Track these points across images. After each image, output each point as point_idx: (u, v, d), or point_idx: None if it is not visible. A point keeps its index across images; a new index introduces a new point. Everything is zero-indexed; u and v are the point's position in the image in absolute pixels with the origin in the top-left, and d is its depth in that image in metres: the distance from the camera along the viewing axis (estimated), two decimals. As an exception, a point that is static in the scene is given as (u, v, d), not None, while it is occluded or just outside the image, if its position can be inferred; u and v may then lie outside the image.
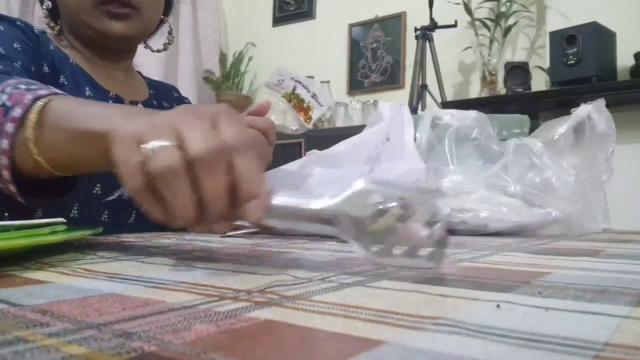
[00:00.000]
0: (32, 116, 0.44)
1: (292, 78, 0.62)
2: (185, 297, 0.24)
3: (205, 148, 0.30)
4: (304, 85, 0.61)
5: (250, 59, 3.15)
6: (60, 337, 0.17)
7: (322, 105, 0.62)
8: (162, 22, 0.87)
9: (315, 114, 0.62)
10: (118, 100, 0.80)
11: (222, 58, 3.14)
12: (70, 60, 0.78)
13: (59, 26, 0.81)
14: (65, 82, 0.74)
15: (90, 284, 0.27)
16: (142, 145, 0.30)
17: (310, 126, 0.62)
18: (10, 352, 0.15)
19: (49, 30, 0.82)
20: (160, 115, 0.34)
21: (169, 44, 0.87)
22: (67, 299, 0.23)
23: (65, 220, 0.41)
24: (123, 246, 0.46)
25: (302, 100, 0.61)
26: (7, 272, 0.31)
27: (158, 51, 0.88)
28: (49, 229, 0.37)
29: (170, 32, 0.87)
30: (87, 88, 0.76)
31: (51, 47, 0.76)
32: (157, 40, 0.89)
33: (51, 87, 0.48)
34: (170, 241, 0.52)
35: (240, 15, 3.38)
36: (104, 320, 0.19)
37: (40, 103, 0.44)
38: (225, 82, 3.10)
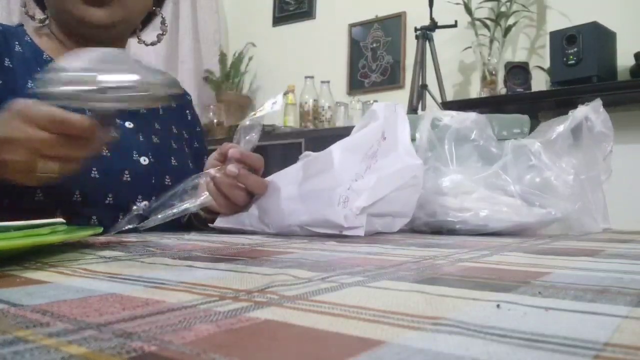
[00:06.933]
0: None
1: None
2: (185, 297, 0.24)
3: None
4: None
5: (250, 59, 3.15)
6: (60, 337, 0.17)
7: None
8: (154, 14, 0.84)
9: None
10: None
11: (222, 58, 3.14)
12: (44, 56, 0.75)
13: (45, 15, 0.78)
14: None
15: (90, 284, 0.27)
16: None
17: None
18: (10, 352, 0.15)
19: (33, 23, 0.79)
20: None
21: (162, 34, 0.85)
22: (67, 299, 0.23)
23: (64, 221, 0.41)
24: (123, 246, 0.46)
25: None
26: (7, 272, 0.31)
27: (152, 44, 0.85)
28: (49, 229, 0.37)
29: (163, 22, 0.85)
30: None
31: (17, 49, 0.73)
32: (151, 34, 0.86)
33: None
34: (170, 241, 0.52)
35: (240, 15, 3.38)
36: (104, 320, 0.19)
37: None
38: (225, 82, 3.10)
